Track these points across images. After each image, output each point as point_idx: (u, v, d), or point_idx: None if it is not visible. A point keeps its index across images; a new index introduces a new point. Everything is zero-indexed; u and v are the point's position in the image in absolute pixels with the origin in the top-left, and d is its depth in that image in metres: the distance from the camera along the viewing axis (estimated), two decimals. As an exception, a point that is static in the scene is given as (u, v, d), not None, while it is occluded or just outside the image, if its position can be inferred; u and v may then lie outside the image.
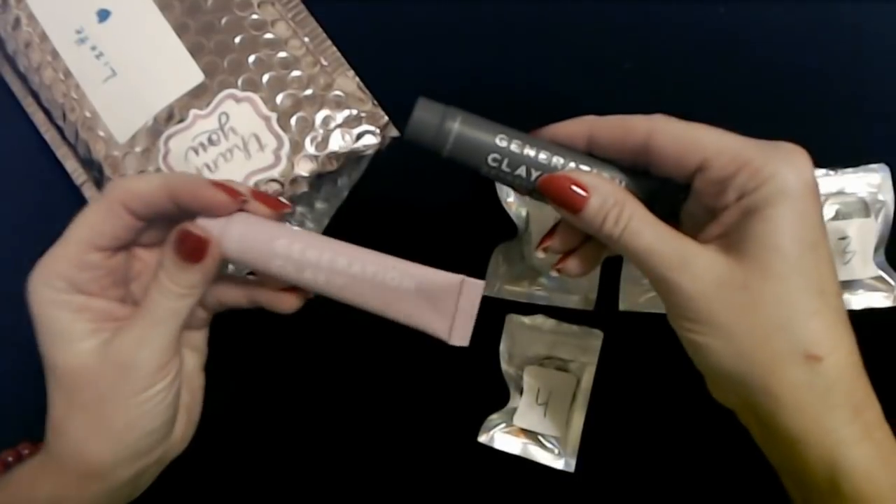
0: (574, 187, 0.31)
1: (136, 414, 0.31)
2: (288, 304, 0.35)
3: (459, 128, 0.33)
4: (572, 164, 0.33)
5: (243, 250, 0.32)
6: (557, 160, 0.33)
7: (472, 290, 0.31)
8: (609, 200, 0.31)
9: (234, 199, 0.32)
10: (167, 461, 0.35)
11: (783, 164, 0.29)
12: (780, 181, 0.29)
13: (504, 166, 0.33)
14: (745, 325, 0.29)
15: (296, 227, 0.33)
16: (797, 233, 0.29)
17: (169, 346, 0.32)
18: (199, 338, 0.36)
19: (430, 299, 0.31)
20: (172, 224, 0.33)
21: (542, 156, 0.33)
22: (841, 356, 0.29)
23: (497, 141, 0.33)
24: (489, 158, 0.33)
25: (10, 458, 0.36)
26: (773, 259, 0.28)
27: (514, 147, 0.33)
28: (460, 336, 0.32)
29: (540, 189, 0.32)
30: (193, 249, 0.31)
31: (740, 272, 0.29)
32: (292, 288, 0.34)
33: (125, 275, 0.34)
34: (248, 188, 0.33)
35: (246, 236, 0.32)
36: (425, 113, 0.33)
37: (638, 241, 0.30)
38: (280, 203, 0.34)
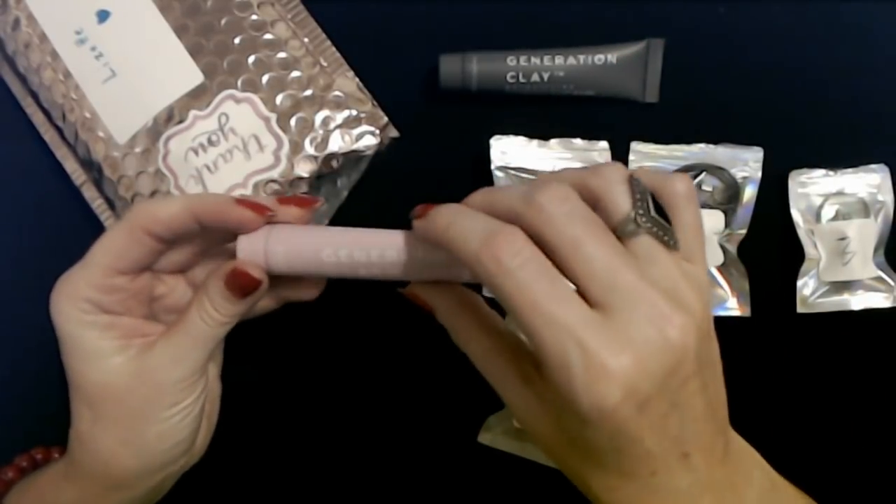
0: (423, 301, 0.32)
1: (165, 427, 0.32)
2: (311, 292, 0.36)
3: (478, 65, 0.43)
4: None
5: (291, 266, 0.32)
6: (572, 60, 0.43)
7: None
8: (447, 324, 0.31)
9: (261, 214, 0.32)
10: (187, 468, 0.35)
11: (577, 389, 0.25)
12: (569, 403, 0.25)
13: (521, 79, 0.43)
14: (558, 464, 0.30)
15: (330, 228, 0.34)
16: (595, 441, 0.26)
17: (203, 365, 0.32)
18: (217, 349, 0.36)
19: None
20: (193, 244, 0.34)
21: (547, 60, 0.42)
22: None
23: (508, 62, 0.43)
24: (508, 77, 0.43)
25: (24, 464, 0.36)
26: (573, 444, 0.28)
27: (522, 62, 0.43)
28: None
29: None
30: (246, 287, 0.31)
31: (549, 430, 0.29)
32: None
33: (149, 294, 0.34)
34: (272, 199, 0.33)
35: (290, 254, 0.32)
36: (449, 64, 0.43)
37: (473, 361, 0.31)
38: (310, 200, 0.34)
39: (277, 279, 0.35)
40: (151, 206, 0.31)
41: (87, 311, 0.31)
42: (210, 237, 0.34)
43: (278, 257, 0.32)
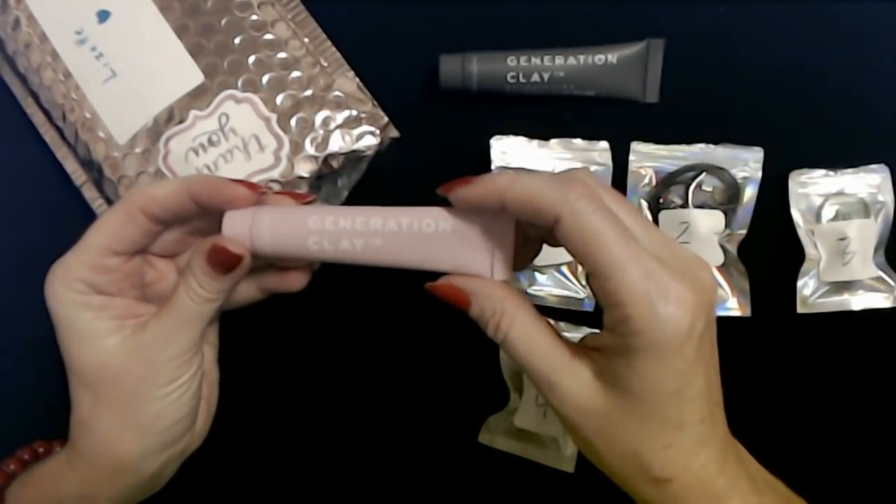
0: (459, 290, 0.31)
1: (163, 404, 0.32)
2: (297, 281, 0.35)
3: (478, 65, 0.43)
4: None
5: (276, 238, 0.32)
6: (560, 60, 0.43)
7: (504, 225, 0.31)
8: (487, 311, 0.30)
9: (254, 191, 0.33)
10: (188, 453, 0.35)
11: (660, 315, 0.27)
12: (650, 337, 0.27)
13: (521, 79, 0.43)
14: (603, 444, 0.29)
15: (318, 204, 0.33)
16: (661, 385, 0.28)
17: (195, 342, 0.33)
18: (212, 332, 0.37)
19: (466, 239, 0.31)
20: (187, 227, 0.34)
21: (547, 60, 0.43)
22: (690, 477, 0.29)
23: (508, 62, 0.43)
24: (508, 77, 0.43)
25: (26, 456, 0.37)
26: (632, 402, 0.28)
27: (522, 62, 0.43)
28: (501, 271, 0.31)
29: (428, 292, 0.32)
30: (226, 262, 0.32)
31: (602, 401, 0.29)
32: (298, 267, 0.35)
33: (141, 279, 0.34)
34: (269, 192, 0.34)
35: (277, 222, 0.32)
36: (449, 64, 0.43)
37: (514, 351, 0.30)
38: (303, 195, 0.34)
39: (262, 268, 0.35)
40: (148, 188, 0.32)
41: (81, 292, 0.32)
42: (206, 221, 0.34)
43: (263, 230, 0.32)
